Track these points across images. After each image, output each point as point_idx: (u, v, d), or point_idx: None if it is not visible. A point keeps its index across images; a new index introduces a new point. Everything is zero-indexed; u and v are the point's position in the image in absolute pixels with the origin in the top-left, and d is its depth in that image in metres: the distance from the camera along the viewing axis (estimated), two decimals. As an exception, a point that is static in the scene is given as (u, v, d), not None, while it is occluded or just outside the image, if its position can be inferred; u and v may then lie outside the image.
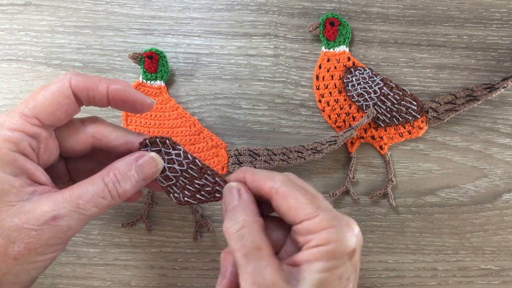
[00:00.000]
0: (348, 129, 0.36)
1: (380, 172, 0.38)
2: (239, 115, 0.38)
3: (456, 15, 0.39)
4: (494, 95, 0.36)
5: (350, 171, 0.37)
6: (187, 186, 0.31)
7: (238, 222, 0.26)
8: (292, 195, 0.26)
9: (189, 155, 0.31)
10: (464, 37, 0.38)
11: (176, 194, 0.31)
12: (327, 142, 0.35)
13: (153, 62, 0.37)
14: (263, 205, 0.28)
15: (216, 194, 0.31)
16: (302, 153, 0.36)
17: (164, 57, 0.37)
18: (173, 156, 0.31)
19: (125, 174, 0.27)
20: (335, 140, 0.35)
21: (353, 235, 0.25)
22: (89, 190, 0.26)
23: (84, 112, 0.38)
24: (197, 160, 0.31)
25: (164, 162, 0.31)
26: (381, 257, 0.37)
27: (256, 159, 0.36)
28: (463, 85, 0.38)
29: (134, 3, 0.39)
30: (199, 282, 0.37)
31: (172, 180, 0.31)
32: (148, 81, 0.37)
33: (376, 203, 0.38)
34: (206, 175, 0.31)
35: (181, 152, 0.31)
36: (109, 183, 0.26)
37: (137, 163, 0.28)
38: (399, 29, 0.38)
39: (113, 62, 0.38)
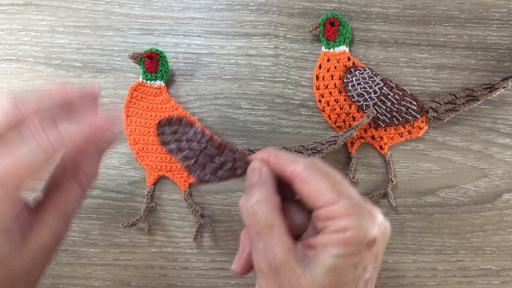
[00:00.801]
0: (348, 129, 0.36)
1: (380, 172, 0.38)
2: (239, 115, 0.38)
3: (456, 15, 0.39)
4: (494, 95, 0.36)
5: (350, 171, 0.37)
6: (208, 164, 0.31)
7: (252, 199, 0.26)
8: (313, 180, 0.25)
9: (206, 133, 0.31)
10: (464, 37, 0.38)
11: (198, 172, 0.31)
12: (327, 142, 0.35)
13: (153, 62, 0.37)
14: (288, 188, 0.27)
15: (237, 171, 0.31)
16: (302, 153, 0.36)
17: (164, 57, 0.37)
18: (191, 135, 0.31)
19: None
20: (335, 140, 0.35)
21: (374, 223, 0.24)
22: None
23: (84, 112, 0.38)
24: (215, 137, 0.31)
25: (183, 141, 0.31)
26: (381, 257, 0.37)
27: None
28: (463, 85, 0.38)
29: (134, 3, 0.39)
30: (199, 282, 0.37)
31: (193, 158, 0.31)
32: (148, 81, 0.37)
33: (376, 203, 0.38)
34: (226, 151, 0.31)
35: (199, 129, 0.31)
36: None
37: None
38: (399, 29, 0.38)
39: (113, 62, 0.38)
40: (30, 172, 0.24)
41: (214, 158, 0.31)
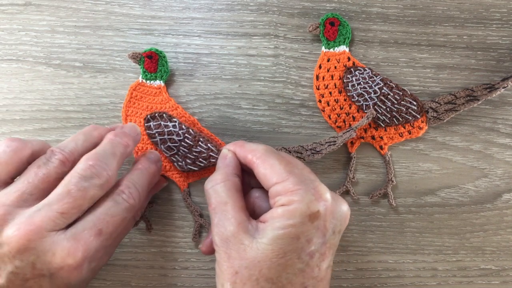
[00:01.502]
0: (348, 130, 0.36)
1: (380, 172, 0.38)
2: (239, 115, 0.38)
3: (456, 15, 0.39)
4: (494, 95, 0.36)
5: (350, 171, 0.37)
6: (188, 155, 0.35)
7: (213, 180, 0.29)
8: (268, 161, 0.28)
9: (183, 126, 0.35)
10: (464, 37, 0.38)
11: (179, 163, 0.36)
12: (326, 142, 0.35)
13: (152, 62, 0.37)
14: (253, 177, 0.30)
15: (211, 160, 0.35)
16: (301, 153, 0.36)
17: (164, 57, 0.37)
18: (171, 128, 0.35)
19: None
20: (334, 141, 0.35)
21: (318, 198, 0.27)
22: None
23: (84, 112, 0.38)
24: (190, 130, 0.36)
25: (165, 134, 0.35)
26: (381, 257, 0.37)
27: None
28: (463, 85, 0.38)
29: (134, 3, 0.39)
30: (199, 282, 0.37)
31: (174, 150, 0.35)
32: (148, 81, 0.37)
33: (376, 203, 0.38)
34: (200, 143, 0.35)
35: (176, 123, 0.35)
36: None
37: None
38: (399, 29, 0.38)
39: (113, 62, 0.38)
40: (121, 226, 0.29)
41: (192, 148, 0.35)
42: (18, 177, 0.28)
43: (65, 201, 0.26)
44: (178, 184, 0.37)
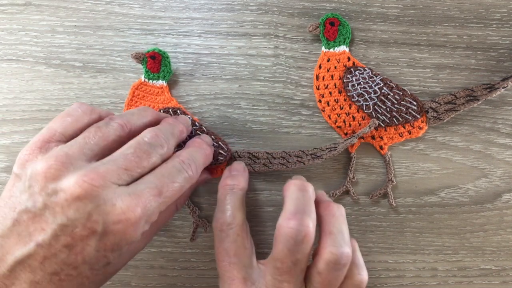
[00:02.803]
0: (349, 137, 0.36)
1: (380, 172, 0.38)
2: (239, 115, 0.38)
3: (456, 15, 0.39)
4: (494, 95, 0.36)
5: (350, 171, 0.37)
6: None
7: (238, 181, 0.33)
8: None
9: (196, 123, 0.36)
10: (464, 37, 0.38)
11: None
12: (327, 148, 0.36)
13: (155, 63, 0.37)
14: None
15: (219, 157, 0.35)
16: (301, 157, 0.35)
17: (167, 57, 0.37)
18: None
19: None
20: (335, 147, 0.35)
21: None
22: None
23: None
24: (203, 127, 0.36)
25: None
26: (381, 257, 0.37)
27: (256, 162, 0.36)
28: (463, 85, 0.38)
29: (134, 3, 0.39)
30: (199, 282, 0.37)
31: (181, 146, 0.34)
32: (150, 81, 0.37)
33: (376, 203, 0.38)
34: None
35: (190, 120, 0.35)
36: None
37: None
38: (399, 29, 0.38)
39: (113, 62, 0.38)
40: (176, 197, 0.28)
41: None
42: (76, 134, 0.28)
43: (130, 159, 0.26)
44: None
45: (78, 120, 0.29)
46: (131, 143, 0.28)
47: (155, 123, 0.32)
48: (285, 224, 0.29)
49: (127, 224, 0.24)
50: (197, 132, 0.36)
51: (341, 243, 0.29)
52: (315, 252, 0.31)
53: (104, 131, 0.28)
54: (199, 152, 0.32)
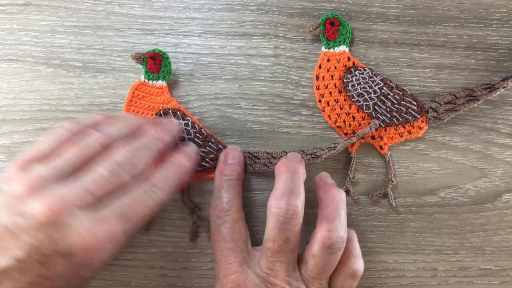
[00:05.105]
0: (349, 138, 0.36)
1: (380, 172, 0.38)
2: (239, 115, 0.38)
3: (456, 15, 0.39)
4: (494, 95, 0.36)
5: (350, 171, 0.37)
6: None
7: (234, 171, 0.34)
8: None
9: (196, 125, 0.36)
10: (464, 37, 0.38)
11: None
12: (326, 148, 0.36)
13: (155, 63, 0.37)
14: None
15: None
16: (301, 157, 0.35)
17: (167, 58, 0.37)
18: (182, 126, 0.36)
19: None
20: (335, 147, 0.35)
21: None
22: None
23: (84, 112, 0.38)
24: (203, 130, 0.36)
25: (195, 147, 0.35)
26: (381, 257, 0.37)
27: (256, 162, 0.36)
28: (463, 85, 0.38)
29: (134, 3, 0.39)
30: (199, 282, 0.37)
31: (178, 144, 0.34)
32: (150, 81, 0.37)
33: (376, 203, 0.38)
34: (210, 143, 0.36)
35: (189, 122, 0.36)
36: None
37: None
38: (399, 29, 0.38)
39: (113, 62, 0.38)
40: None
41: (200, 148, 0.35)
42: (56, 153, 0.29)
43: (97, 182, 0.27)
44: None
45: (61, 139, 0.29)
46: (101, 163, 0.28)
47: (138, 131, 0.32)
48: (274, 204, 0.30)
49: (91, 250, 0.26)
50: (196, 134, 0.36)
51: (337, 227, 0.30)
52: (311, 236, 0.32)
53: (84, 150, 0.28)
54: (176, 171, 0.32)
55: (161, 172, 0.31)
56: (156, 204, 0.29)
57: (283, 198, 0.30)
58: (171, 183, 0.31)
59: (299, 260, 0.32)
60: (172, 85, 0.38)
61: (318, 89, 0.38)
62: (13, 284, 0.25)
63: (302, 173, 0.32)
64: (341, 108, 0.37)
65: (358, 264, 0.32)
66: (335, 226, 0.30)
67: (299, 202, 0.30)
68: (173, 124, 0.34)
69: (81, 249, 0.25)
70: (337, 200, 0.32)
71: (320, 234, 0.30)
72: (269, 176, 0.37)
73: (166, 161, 0.32)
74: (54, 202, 0.25)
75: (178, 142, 0.35)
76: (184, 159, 0.33)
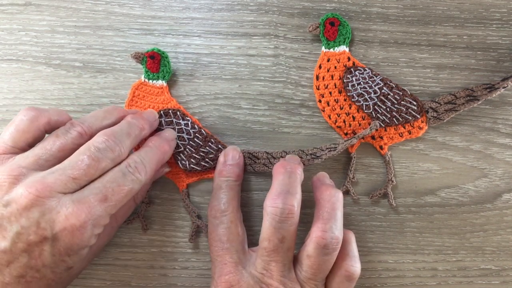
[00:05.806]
0: (350, 138, 0.36)
1: (380, 172, 0.38)
2: (239, 115, 0.38)
3: (456, 15, 0.39)
4: (494, 95, 0.36)
5: (350, 171, 0.37)
6: (193, 154, 0.35)
7: (233, 173, 0.34)
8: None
9: (195, 125, 0.36)
10: (464, 37, 0.38)
11: (183, 162, 0.36)
12: (326, 148, 0.36)
13: (155, 62, 0.37)
14: None
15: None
16: (301, 157, 0.35)
17: (166, 57, 0.37)
18: (182, 126, 0.36)
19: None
20: (335, 147, 0.35)
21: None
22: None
23: (84, 112, 0.38)
24: (202, 130, 0.36)
25: (175, 131, 0.36)
26: (381, 257, 0.37)
27: (256, 162, 0.36)
28: (463, 85, 0.38)
29: (134, 3, 0.39)
30: (199, 282, 0.37)
31: (180, 148, 0.35)
32: (150, 81, 0.37)
33: (376, 203, 0.38)
34: (210, 143, 0.36)
35: (189, 122, 0.36)
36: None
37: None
38: (399, 29, 0.38)
39: (113, 62, 0.38)
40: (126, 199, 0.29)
41: (200, 148, 0.36)
42: (36, 144, 0.30)
43: (79, 167, 0.27)
44: (176, 184, 0.37)
45: (25, 130, 0.30)
46: (82, 149, 0.29)
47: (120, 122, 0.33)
48: (270, 203, 0.30)
49: (73, 230, 0.26)
50: (196, 134, 0.36)
51: (332, 227, 0.30)
52: (307, 236, 0.32)
53: (63, 141, 0.29)
54: (152, 151, 0.32)
55: (137, 153, 0.31)
56: (134, 184, 0.30)
57: (279, 198, 0.30)
58: (148, 163, 0.31)
59: (295, 260, 0.32)
60: (172, 85, 0.38)
61: (318, 89, 0.38)
62: (1, 279, 0.26)
63: (299, 174, 0.32)
64: (341, 108, 0.37)
65: (355, 266, 0.32)
66: (330, 227, 0.30)
67: (295, 202, 0.30)
68: (152, 114, 0.35)
69: (64, 230, 0.26)
70: (333, 201, 0.32)
71: (314, 234, 0.30)
72: (269, 176, 0.37)
73: (144, 144, 0.33)
74: (37, 186, 0.26)
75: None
76: (160, 141, 0.33)
